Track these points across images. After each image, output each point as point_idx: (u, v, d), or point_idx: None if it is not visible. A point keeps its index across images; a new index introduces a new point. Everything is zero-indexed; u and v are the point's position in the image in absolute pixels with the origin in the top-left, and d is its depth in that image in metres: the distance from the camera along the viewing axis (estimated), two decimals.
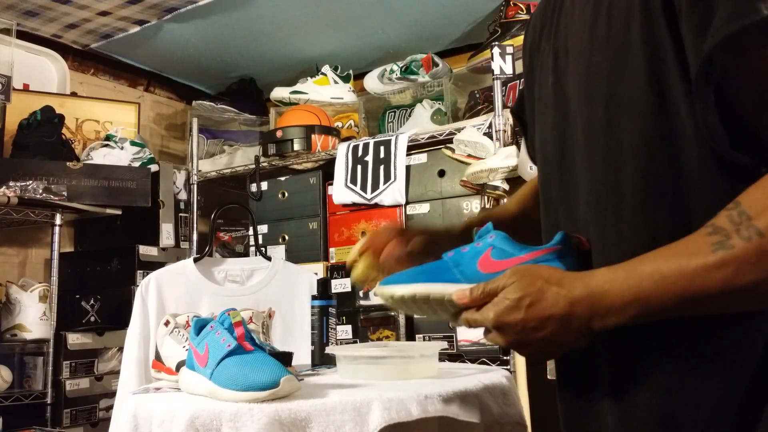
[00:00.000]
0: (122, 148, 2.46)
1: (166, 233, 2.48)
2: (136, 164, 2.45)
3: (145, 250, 2.37)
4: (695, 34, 0.63)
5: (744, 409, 0.64)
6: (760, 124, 0.64)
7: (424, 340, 2.03)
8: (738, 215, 0.60)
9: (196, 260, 1.71)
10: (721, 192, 0.64)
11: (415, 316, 2.04)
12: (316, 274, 1.89)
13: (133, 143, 2.50)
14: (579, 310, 0.66)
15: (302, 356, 1.56)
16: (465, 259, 0.78)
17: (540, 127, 0.88)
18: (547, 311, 0.66)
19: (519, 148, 1.90)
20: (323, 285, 1.49)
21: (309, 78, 2.65)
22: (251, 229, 1.90)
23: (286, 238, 2.40)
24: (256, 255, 1.84)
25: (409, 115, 2.47)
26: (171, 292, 1.64)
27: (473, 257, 0.78)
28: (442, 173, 2.12)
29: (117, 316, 2.27)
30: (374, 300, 2.12)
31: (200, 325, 1.11)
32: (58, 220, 2.20)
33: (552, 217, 0.84)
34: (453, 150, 2.07)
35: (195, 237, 2.58)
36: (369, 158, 2.20)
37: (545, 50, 0.86)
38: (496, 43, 2.05)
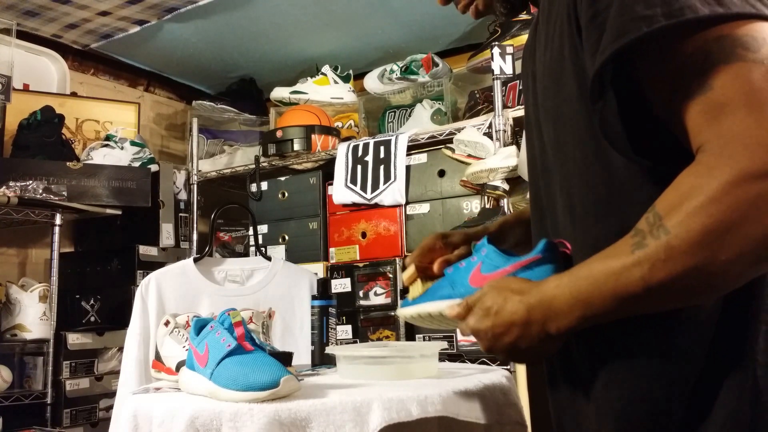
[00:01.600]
0: (122, 148, 2.46)
1: (166, 233, 2.48)
2: (136, 164, 2.45)
3: (145, 250, 2.37)
4: (591, 54, 0.68)
5: (693, 398, 0.67)
6: (675, 128, 0.67)
7: (424, 340, 2.03)
8: (653, 217, 0.64)
9: (196, 260, 1.70)
10: (650, 198, 0.67)
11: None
12: (316, 274, 1.89)
13: (133, 143, 2.50)
14: (535, 316, 0.71)
15: (302, 356, 1.56)
16: (459, 275, 0.89)
17: (528, 145, 0.94)
18: (509, 317, 0.73)
19: (519, 148, 1.90)
20: (323, 285, 1.50)
21: (309, 78, 2.65)
22: (251, 229, 1.90)
23: (286, 238, 2.40)
24: (256, 255, 1.84)
25: (409, 115, 2.47)
26: (171, 292, 1.64)
27: (466, 272, 0.88)
28: (442, 173, 2.12)
29: (117, 316, 2.27)
30: (374, 300, 2.12)
31: (200, 325, 1.11)
32: (58, 220, 2.20)
33: (542, 228, 0.89)
34: (453, 150, 2.07)
35: (195, 237, 2.58)
36: (369, 158, 2.20)
37: (527, 74, 0.92)
38: (496, 43, 2.04)
